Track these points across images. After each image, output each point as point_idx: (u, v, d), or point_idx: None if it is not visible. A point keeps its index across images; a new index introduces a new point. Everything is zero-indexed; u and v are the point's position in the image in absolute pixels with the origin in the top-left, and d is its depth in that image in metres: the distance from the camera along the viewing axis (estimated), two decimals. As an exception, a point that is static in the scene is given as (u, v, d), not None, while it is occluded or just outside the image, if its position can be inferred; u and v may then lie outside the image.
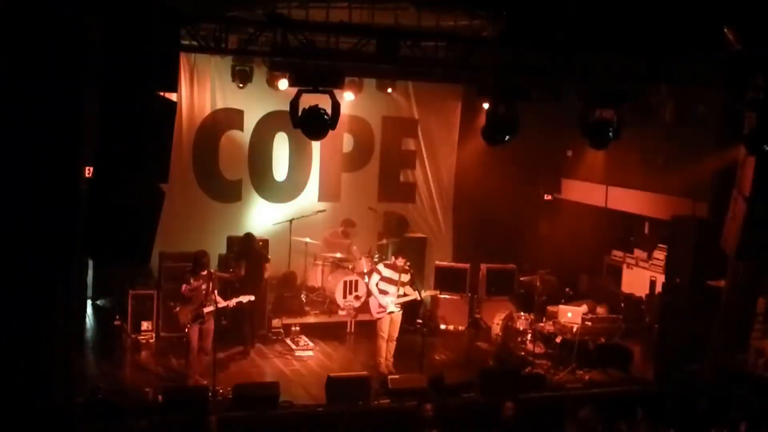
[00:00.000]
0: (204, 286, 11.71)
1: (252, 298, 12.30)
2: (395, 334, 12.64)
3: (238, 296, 12.11)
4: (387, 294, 12.47)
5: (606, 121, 11.42)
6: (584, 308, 13.30)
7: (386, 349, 12.61)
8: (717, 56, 11.17)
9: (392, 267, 12.55)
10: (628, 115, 11.67)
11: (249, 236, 13.53)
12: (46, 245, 8.94)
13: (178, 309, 11.84)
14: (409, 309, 13.15)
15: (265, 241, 14.15)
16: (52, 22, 8.65)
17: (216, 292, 11.76)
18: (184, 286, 11.73)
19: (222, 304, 11.83)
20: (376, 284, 12.52)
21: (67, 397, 9.79)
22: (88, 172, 9.94)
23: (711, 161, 13.13)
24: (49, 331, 9.47)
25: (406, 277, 12.59)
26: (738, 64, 11.31)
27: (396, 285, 12.49)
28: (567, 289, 13.94)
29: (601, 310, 13.70)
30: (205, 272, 11.78)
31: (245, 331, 13.26)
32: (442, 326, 15.22)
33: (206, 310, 11.69)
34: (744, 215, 11.94)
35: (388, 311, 12.46)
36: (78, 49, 8.85)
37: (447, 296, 15.04)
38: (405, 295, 12.55)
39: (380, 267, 12.74)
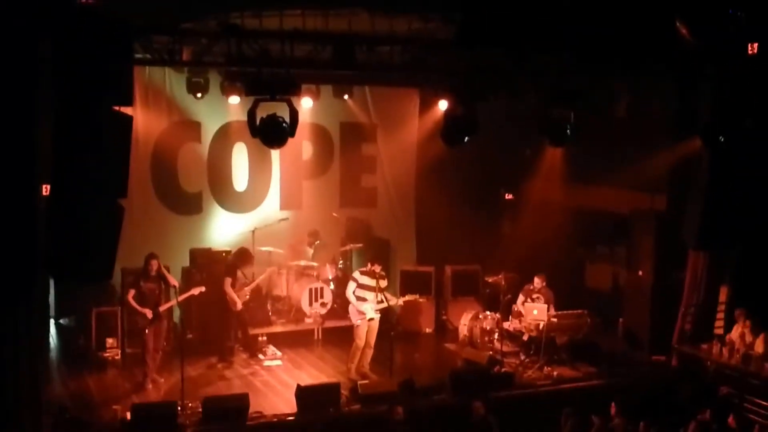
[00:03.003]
0: (156, 287, 12.10)
1: (203, 289, 12.50)
2: (372, 341, 12.59)
3: (188, 291, 12.37)
4: (366, 301, 12.40)
5: (563, 119, 11.52)
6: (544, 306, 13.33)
7: (362, 356, 12.58)
8: (669, 50, 11.32)
9: (368, 274, 12.49)
10: (584, 110, 11.78)
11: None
12: (6, 267, 8.82)
13: (146, 330, 12.03)
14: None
15: (228, 252, 14.07)
16: (2, 40, 8.54)
17: (174, 288, 12.13)
18: (130, 291, 12.11)
19: (181, 297, 12.26)
20: (353, 292, 12.45)
21: (34, 419, 9.67)
22: (46, 190, 9.81)
23: (667, 154, 13.30)
24: (13, 353, 9.34)
25: (384, 283, 12.57)
26: (690, 58, 11.46)
27: (374, 291, 12.45)
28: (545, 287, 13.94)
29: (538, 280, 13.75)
30: (154, 273, 12.09)
31: (220, 345, 13.34)
32: (414, 329, 15.26)
33: (161, 308, 12.12)
34: (702, 206, 12.11)
35: (368, 318, 12.43)
36: (30, 67, 8.75)
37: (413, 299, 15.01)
38: (383, 301, 12.49)
39: (356, 274, 12.64)
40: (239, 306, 13.14)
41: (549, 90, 11.67)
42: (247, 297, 13.38)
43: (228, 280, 13.06)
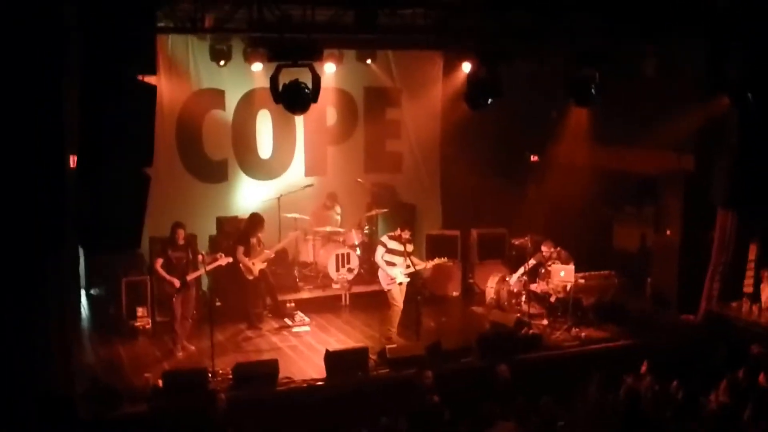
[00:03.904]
0: (184, 256, 12.19)
1: (230, 259, 12.57)
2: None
3: (215, 260, 12.39)
4: (394, 266, 12.46)
5: (589, 79, 11.40)
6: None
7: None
8: (698, 8, 11.15)
9: (397, 239, 12.51)
10: (611, 71, 11.64)
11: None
12: (35, 237, 8.92)
13: (175, 298, 12.19)
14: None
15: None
16: (28, 11, 8.55)
17: (200, 257, 12.22)
18: (158, 260, 12.20)
19: (209, 267, 12.28)
20: (381, 256, 12.49)
21: (67, 387, 9.81)
22: (73, 161, 9.88)
23: (695, 113, 13.14)
24: (44, 322, 9.47)
25: (410, 248, 12.58)
26: (719, 16, 11.28)
27: (402, 256, 12.48)
28: (557, 249, 13.90)
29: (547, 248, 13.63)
30: (182, 242, 12.23)
31: (248, 311, 13.41)
32: (441, 293, 15.31)
33: (189, 277, 12.17)
34: (730, 165, 11.99)
35: (398, 282, 12.47)
36: (56, 38, 8.77)
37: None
38: (410, 266, 12.50)
39: (384, 239, 12.68)
40: (255, 273, 13.14)
41: (575, 50, 11.53)
42: (265, 264, 13.34)
43: (240, 249, 13.05)
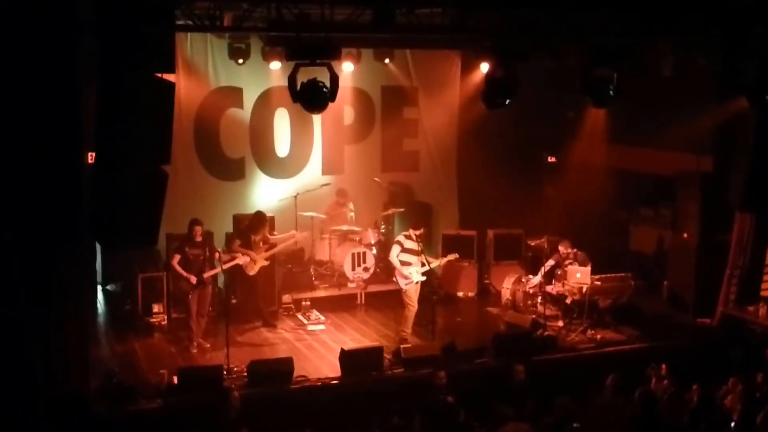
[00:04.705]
0: (201, 253, 12.25)
1: (247, 259, 12.61)
2: None
3: (232, 258, 12.46)
4: (410, 265, 12.45)
5: (606, 79, 11.36)
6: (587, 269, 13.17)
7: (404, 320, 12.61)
8: (715, 6, 11.08)
9: (413, 238, 12.51)
10: (628, 70, 11.59)
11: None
12: (52, 233, 8.97)
13: (190, 295, 12.25)
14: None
15: (271, 218, 14.09)
16: (45, 7, 8.61)
17: (217, 255, 12.26)
18: (175, 257, 12.21)
19: (226, 265, 12.33)
20: (397, 256, 12.46)
21: (82, 382, 9.87)
22: (91, 157, 9.93)
23: (713, 114, 13.05)
24: (60, 317, 9.53)
25: (420, 246, 12.59)
26: (737, 14, 11.20)
27: (418, 255, 12.48)
28: (574, 250, 13.87)
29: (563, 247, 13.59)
30: (200, 239, 12.27)
31: (261, 309, 13.43)
32: (456, 293, 15.29)
33: (206, 275, 12.23)
34: (748, 167, 11.90)
35: (414, 281, 12.46)
36: (73, 34, 8.82)
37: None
38: (425, 264, 12.47)
39: (401, 238, 12.66)
40: (255, 269, 12.98)
41: (592, 50, 11.49)
42: (267, 263, 13.20)
43: (236, 242, 13.00)
